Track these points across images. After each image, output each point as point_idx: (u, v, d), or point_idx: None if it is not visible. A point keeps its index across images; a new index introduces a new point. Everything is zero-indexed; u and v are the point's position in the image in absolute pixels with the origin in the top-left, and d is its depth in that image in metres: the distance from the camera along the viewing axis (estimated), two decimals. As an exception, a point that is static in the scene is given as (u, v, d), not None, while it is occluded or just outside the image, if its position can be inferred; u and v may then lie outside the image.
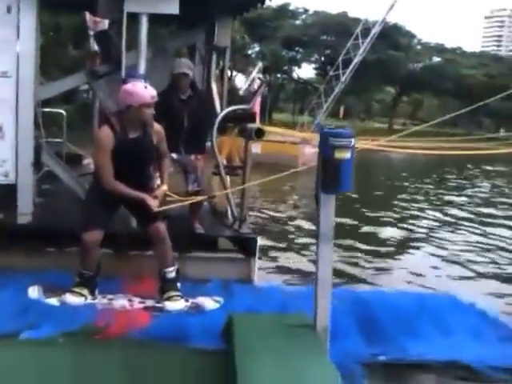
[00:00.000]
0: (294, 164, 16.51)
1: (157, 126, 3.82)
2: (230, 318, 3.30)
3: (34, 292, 3.83)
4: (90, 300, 3.82)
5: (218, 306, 4.00)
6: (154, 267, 4.09)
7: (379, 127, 53.19)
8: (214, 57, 5.90)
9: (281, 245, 7.88)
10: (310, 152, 19.05)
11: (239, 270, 4.82)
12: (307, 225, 9.61)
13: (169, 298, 3.91)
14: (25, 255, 4.50)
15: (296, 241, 8.51)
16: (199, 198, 4.58)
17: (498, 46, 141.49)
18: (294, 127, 22.49)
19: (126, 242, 4.57)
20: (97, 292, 3.94)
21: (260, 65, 4.87)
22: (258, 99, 5.49)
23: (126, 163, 3.64)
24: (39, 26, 5.04)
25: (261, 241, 4.91)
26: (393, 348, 3.64)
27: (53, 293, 3.85)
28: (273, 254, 7.22)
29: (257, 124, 4.74)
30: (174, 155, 4.79)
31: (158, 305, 3.92)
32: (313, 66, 49.03)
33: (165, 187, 3.93)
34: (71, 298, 3.75)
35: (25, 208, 4.70)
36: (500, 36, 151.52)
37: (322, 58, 46.37)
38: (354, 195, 11.21)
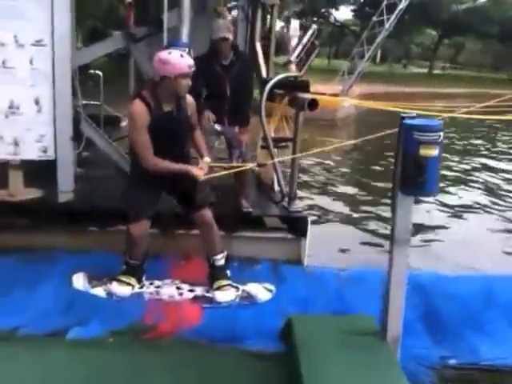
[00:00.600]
0: (332, 117, 15.95)
1: (189, 98, 3.50)
2: (290, 320, 3.07)
3: (78, 281, 3.65)
4: (137, 289, 3.62)
5: (270, 295, 3.77)
6: (201, 247, 3.85)
7: (419, 72, 51.03)
8: (259, 14, 5.44)
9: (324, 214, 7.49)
10: (350, 104, 18.35)
11: (288, 251, 4.56)
12: (348, 188, 9.26)
13: (219, 288, 3.69)
14: (67, 235, 4.35)
15: (335, 201, 8.14)
16: (248, 166, 4.20)
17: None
18: (332, 73, 21.60)
19: (171, 221, 4.34)
20: (144, 279, 3.74)
21: (314, 28, 4.38)
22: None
23: (163, 139, 3.34)
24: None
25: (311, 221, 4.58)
26: (463, 349, 3.33)
27: (99, 281, 3.67)
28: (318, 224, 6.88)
29: (310, 94, 4.31)
30: (218, 127, 4.48)
31: (207, 294, 3.71)
32: (351, 7, 46.69)
33: (207, 158, 3.63)
34: (118, 288, 3.56)
35: (65, 185, 4.50)
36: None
37: (361, 0, 44.09)
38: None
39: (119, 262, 3.71)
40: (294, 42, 21.17)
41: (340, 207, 7.74)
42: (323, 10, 44.69)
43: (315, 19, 41.68)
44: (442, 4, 42.03)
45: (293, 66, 5.34)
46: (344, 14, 50.66)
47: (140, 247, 3.53)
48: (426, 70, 52.07)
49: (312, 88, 4.56)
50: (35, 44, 4.19)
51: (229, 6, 6.84)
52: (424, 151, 2.34)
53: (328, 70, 34.62)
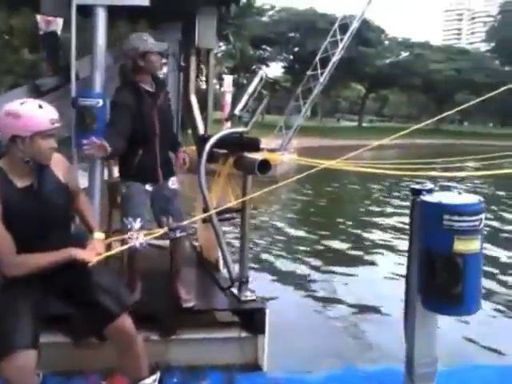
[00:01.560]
0: (272, 174, 15.31)
1: (56, 156, 2.47)
2: None
3: None
4: None
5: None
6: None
7: (349, 126, 52.69)
8: (193, 62, 4.66)
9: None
10: (290, 159, 17.89)
11: (243, 354, 3.55)
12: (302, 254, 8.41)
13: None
14: None
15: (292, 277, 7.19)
16: (158, 232, 2.89)
17: (458, 39, 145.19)
18: (267, 128, 21.26)
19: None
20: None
21: (262, 73, 3.60)
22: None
23: (29, 227, 2.33)
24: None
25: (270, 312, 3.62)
26: None
27: None
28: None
29: (261, 154, 3.47)
30: (149, 187, 3.43)
31: None
32: (281, 64, 47.91)
33: (99, 234, 2.63)
34: None
35: None
36: (459, 29, 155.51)
37: (291, 56, 45.27)
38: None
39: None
40: (228, 97, 20.86)
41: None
42: (254, 67, 45.45)
43: (247, 75, 42.19)
44: (368, 59, 43.88)
45: (227, 123, 4.47)
46: (274, 70, 51.95)
47: None
48: (355, 124, 53.91)
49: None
50: None
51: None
52: (462, 246, 1.49)
53: (262, 124, 34.69)
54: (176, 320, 3.51)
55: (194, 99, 4.76)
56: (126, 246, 2.80)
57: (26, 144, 2.22)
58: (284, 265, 7.67)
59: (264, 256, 8.03)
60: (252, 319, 3.57)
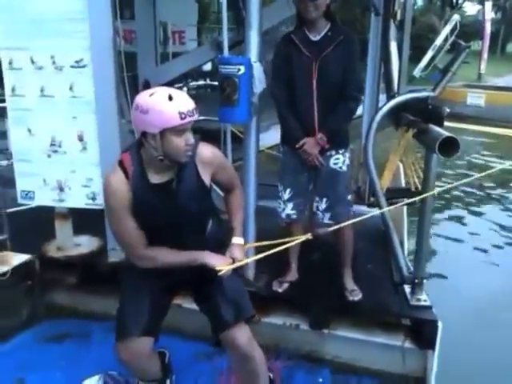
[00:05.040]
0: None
1: (204, 151, 2.15)
2: None
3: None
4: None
5: None
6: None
7: None
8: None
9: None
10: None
11: (406, 365, 2.99)
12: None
13: None
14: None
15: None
16: (302, 238, 2.45)
17: None
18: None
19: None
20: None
21: (456, 19, 2.70)
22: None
23: (158, 225, 2.14)
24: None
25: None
26: None
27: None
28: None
29: (446, 131, 2.62)
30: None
31: None
32: None
33: (238, 239, 2.32)
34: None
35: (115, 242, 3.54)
36: None
37: None
38: None
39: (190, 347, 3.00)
40: (487, 26, 18.15)
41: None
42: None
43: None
44: None
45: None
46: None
47: (140, 370, 2.40)
48: None
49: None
50: (74, 65, 3.30)
51: None
52: None
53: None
54: (330, 312, 3.11)
55: (393, 46, 3.99)
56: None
57: (157, 141, 1.96)
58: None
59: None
60: (420, 329, 2.94)
